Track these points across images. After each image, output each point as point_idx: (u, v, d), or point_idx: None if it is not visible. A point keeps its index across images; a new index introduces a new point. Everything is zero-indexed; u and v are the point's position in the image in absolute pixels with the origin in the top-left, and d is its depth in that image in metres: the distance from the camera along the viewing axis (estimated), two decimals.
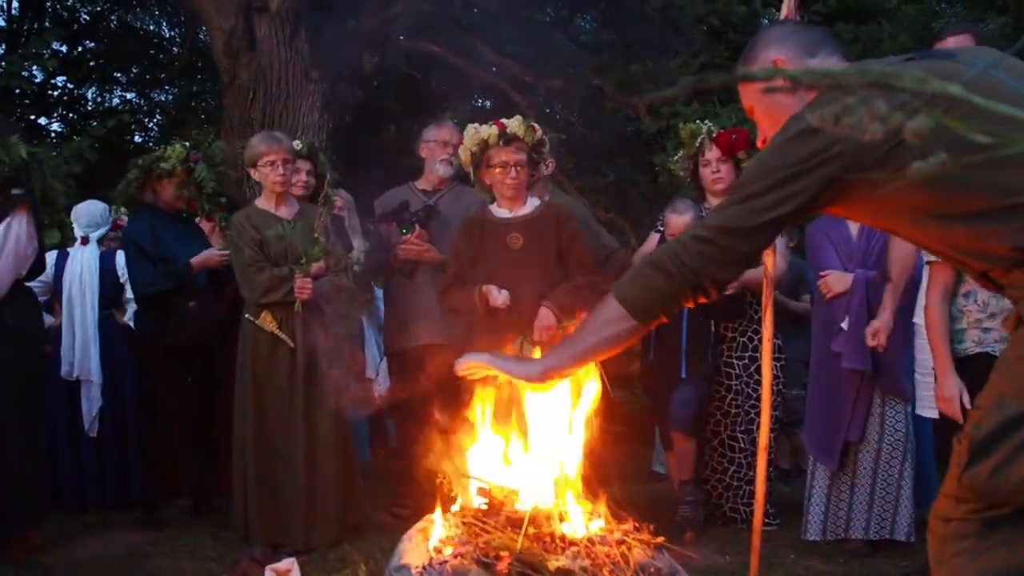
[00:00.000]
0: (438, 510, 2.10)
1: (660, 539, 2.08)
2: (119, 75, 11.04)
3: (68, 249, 4.79)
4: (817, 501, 3.87)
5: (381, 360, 5.15)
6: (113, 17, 10.58)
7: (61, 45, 9.59)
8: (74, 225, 4.79)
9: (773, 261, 2.96)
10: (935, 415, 3.26)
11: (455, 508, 2.12)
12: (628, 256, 4.44)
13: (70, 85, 10.54)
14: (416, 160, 4.79)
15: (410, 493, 4.11)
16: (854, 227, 3.87)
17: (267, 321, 3.78)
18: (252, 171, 3.90)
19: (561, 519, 2.03)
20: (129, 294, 4.65)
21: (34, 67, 8.78)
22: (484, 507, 2.07)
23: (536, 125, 3.93)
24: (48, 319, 4.49)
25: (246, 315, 3.85)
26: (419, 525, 2.10)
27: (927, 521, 1.51)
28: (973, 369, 2.96)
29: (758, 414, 3.71)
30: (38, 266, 3.85)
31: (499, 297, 3.70)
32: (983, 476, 1.33)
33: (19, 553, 3.68)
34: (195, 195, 4.32)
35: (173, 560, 3.79)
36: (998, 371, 1.39)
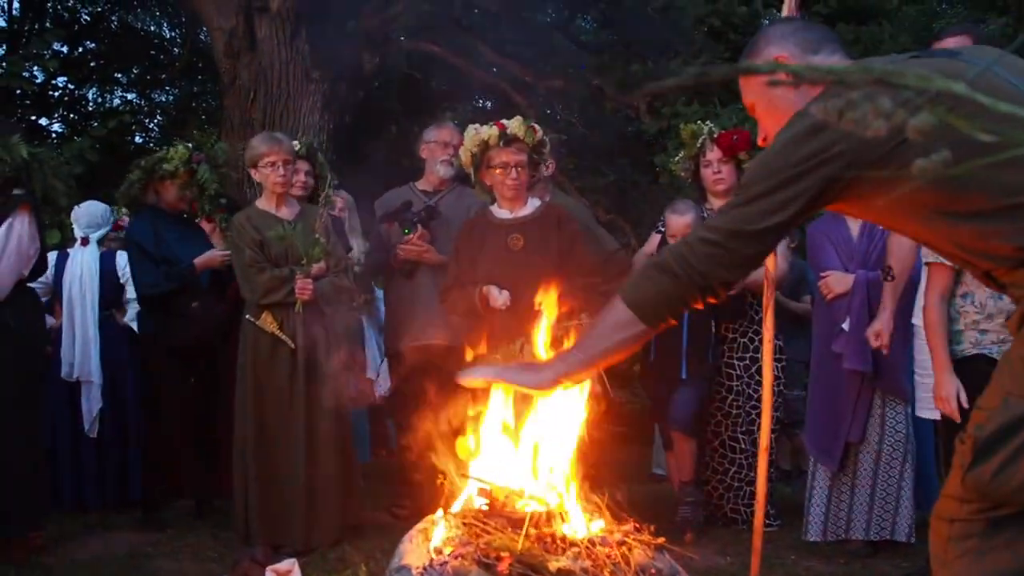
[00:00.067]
0: (439, 511, 2.10)
1: (661, 540, 2.08)
2: (120, 76, 11.06)
3: (68, 250, 4.79)
4: (818, 502, 3.86)
5: (381, 360, 5.14)
6: (114, 18, 10.60)
7: (62, 46, 9.60)
8: (74, 226, 4.79)
9: (774, 262, 2.95)
10: (935, 416, 3.26)
11: (456, 508, 2.11)
12: (628, 257, 4.43)
13: (71, 86, 10.56)
14: (417, 161, 4.80)
15: (410, 493, 4.11)
16: (855, 228, 3.87)
17: (268, 322, 3.78)
18: (253, 172, 3.90)
19: (562, 520, 2.03)
20: (130, 295, 4.65)
21: (35, 68, 8.80)
22: (485, 508, 2.07)
23: (536, 126, 3.92)
24: (48, 320, 4.49)
25: (247, 316, 3.85)
26: (420, 526, 2.09)
27: (928, 522, 1.51)
28: (970, 371, 2.97)
29: (759, 415, 3.71)
30: (40, 266, 3.85)
31: (499, 298, 3.69)
32: (987, 476, 1.33)
33: (20, 553, 3.68)
34: (197, 196, 4.33)
35: (174, 561, 3.79)
36: (1003, 371, 1.39)
